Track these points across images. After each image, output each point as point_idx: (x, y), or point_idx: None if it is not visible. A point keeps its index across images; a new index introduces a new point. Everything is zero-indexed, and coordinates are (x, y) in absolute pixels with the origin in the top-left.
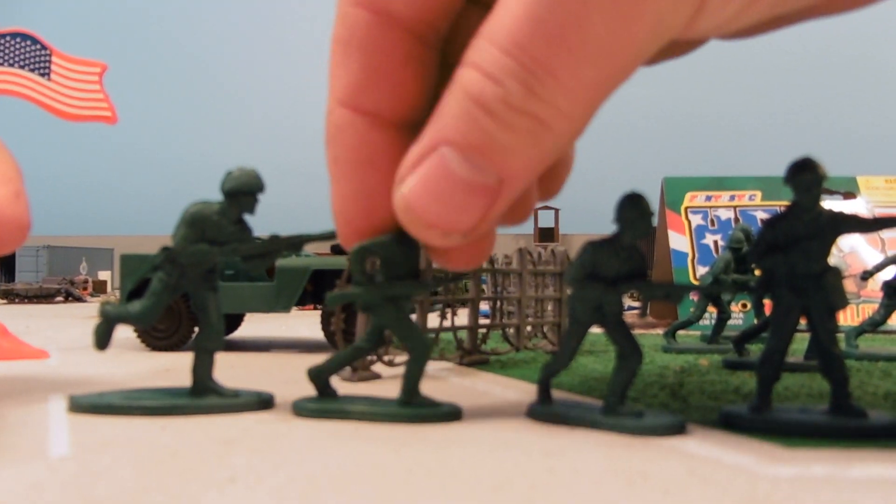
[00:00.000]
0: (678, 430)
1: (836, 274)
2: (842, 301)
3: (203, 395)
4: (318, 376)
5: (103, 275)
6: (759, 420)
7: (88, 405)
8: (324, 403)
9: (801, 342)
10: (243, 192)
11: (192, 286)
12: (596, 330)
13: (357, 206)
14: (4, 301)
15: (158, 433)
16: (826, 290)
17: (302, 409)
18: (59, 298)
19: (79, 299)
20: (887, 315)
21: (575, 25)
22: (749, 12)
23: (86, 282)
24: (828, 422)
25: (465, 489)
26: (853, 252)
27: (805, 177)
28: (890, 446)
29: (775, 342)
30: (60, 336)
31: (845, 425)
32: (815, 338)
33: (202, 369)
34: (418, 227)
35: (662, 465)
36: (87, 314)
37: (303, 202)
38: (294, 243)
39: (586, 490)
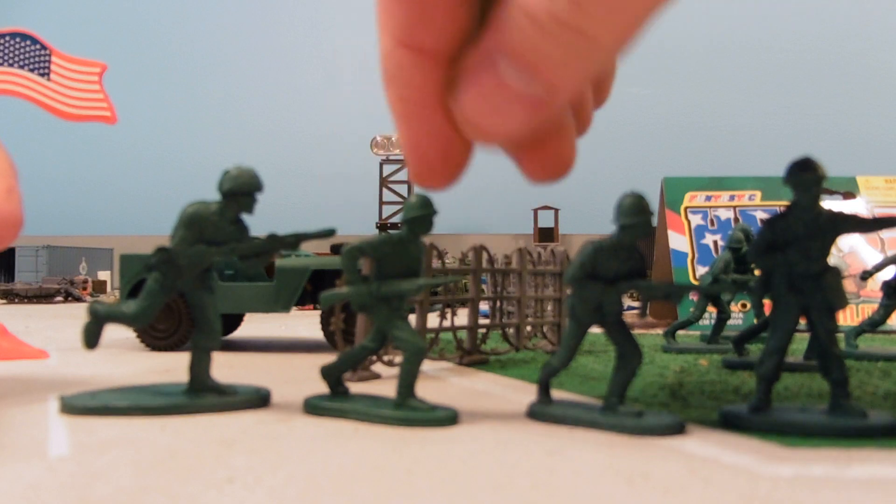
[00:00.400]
0: (678, 429)
1: (836, 274)
2: (841, 301)
3: (201, 394)
4: (330, 374)
5: (103, 275)
6: (759, 420)
7: (80, 406)
8: (329, 401)
9: (800, 342)
10: (241, 191)
11: (189, 286)
12: (596, 330)
13: (432, 145)
14: (4, 301)
15: (157, 433)
16: (825, 290)
17: (308, 405)
18: (59, 298)
19: (78, 299)
20: (887, 315)
21: None
22: None
23: (85, 282)
24: (827, 421)
25: (465, 489)
26: (853, 252)
27: (804, 176)
28: (890, 446)
29: (775, 342)
30: (60, 336)
31: (845, 425)
32: (815, 337)
33: (200, 368)
34: (474, 133)
35: (662, 465)
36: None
37: (301, 202)
38: (291, 242)
39: (587, 490)
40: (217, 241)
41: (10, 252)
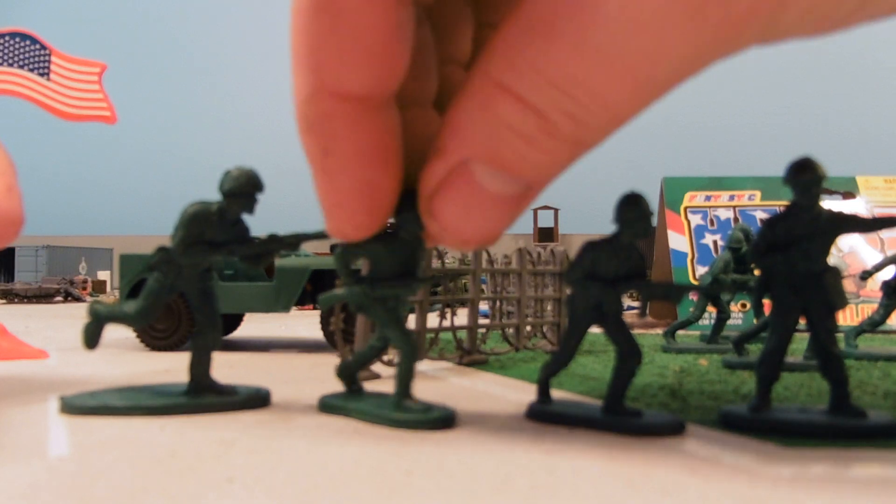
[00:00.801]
0: (677, 429)
1: (836, 274)
2: (841, 301)
3: (201, 394)
4: (343, 373)
5: (102, 275)
6: (759, 420)
7: (80, 406)
8: (341, 400)
9: (800, 342)
10: (242, 192)
11: (189, 286)
12: (595, 330)
13: (360, 201)
14: (4, 301)
15: (157, 433)
16: (825, 290)
17: (322, 404)
18: (59, 298)
19: (78, 299)
20: (886, 315)
21: (646, 62)
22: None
23: (85, 282)
24: (827, 422)
25: (464, 490)
26: (852, 252)
27: (804, 177)
28: (890, 446)
29: (775, 342)
30: (60, 336)
31: (845, 425)
32: (815, 337)
33: (200, 368)
34: (452, 242)
35: (661, 465)
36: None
37: (301, 202)
38: (291, 242)
39: (586, 490)
40: (218, 241)
41: (10, 252)
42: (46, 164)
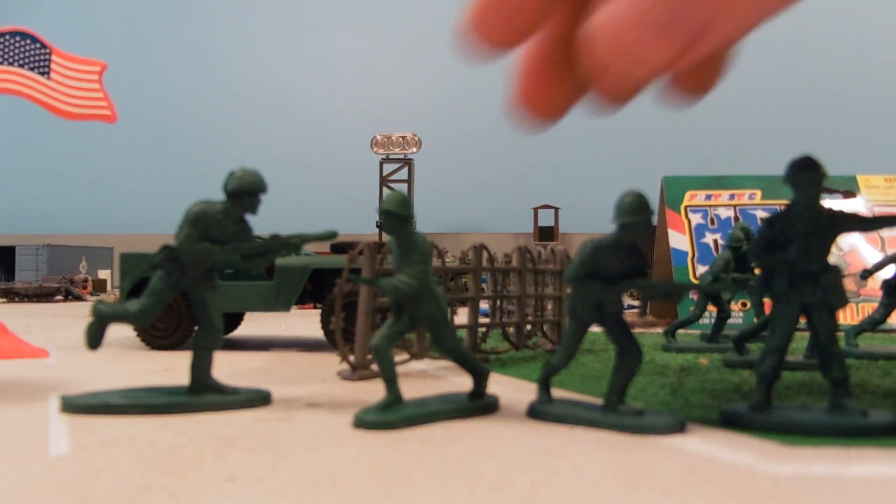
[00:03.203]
0: (678, 428)
1: (836, 273)
2: (841, 300)
3: (202, 393)
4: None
5: (103, 273)
6: (759, 419)
7: (81, 405)
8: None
9: (801, 341)
10: (246, 191)
11: (192, 284)
12: (596, 329)
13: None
14: (4, 300)
15: (158, 432)
16: (825, 289)
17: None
18: (59, 297)
19: (79, 298)
20: (887, 314)
21: None
22: None
23: (85, 281)
24: (827, 420)
25: (465, 488)
26: (853, 251)
27: (804, 175)
28: (890, 445)
29: (775, 341)
30: (60, 335)
31: (845, 424)
32: (815, 336)
33: (201, 367)
34: (596, 70)
35: (663, 464)
36: (87, 313)
37: (301, 201)
38: (293, 243)
39: (587, 489)
40: (221, 241)
41: (11, 251)
42: (46, 163)
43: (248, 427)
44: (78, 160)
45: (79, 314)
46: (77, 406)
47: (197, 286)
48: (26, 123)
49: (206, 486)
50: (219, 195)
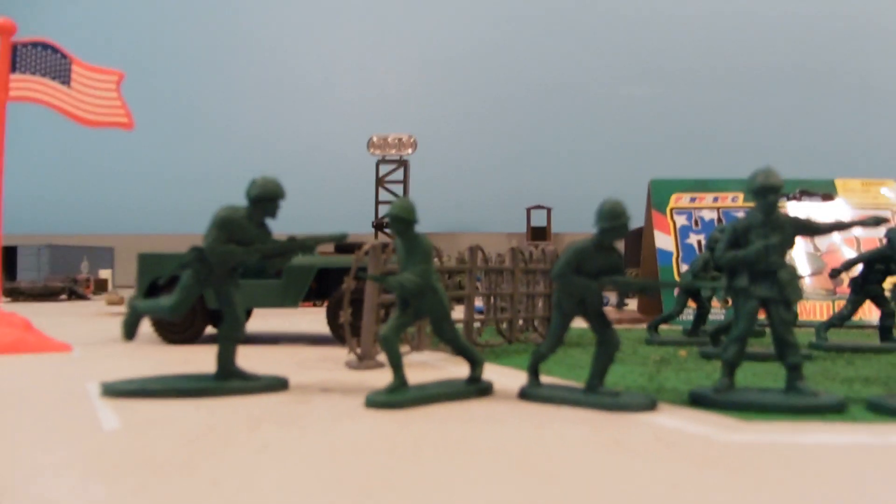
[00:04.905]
0: (650, 407)
1: (791, 270)
2: (796, 294)
3: (227, 379)
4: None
5: (104, 273)
6: (723, 399)
7: (120, 390)
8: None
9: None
10: (267, 198)
11: (219, 282)
12: (582, 325)
13: None
14: (9, 299)
15: (193, 412)
16: (781, 285)
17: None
18: (63, 297)
19: (82, 297)
20: (854, 310)
21: None
22: None
23: (88, 280)
24: (782, 400)
25: (465, 456)
26: (831, 251)
27: (762, 185)
28: (834, 420)
29: (738, 331)
30: (75, 332)
31: (797, 403)
32: (772, 327)
33: (226, 356)
34: None
35: (634, 435)
36: (93, 312)
37: (298, 201)
38: (308, 244)
39: (570, 454)
40: (244, 242)
41: (13, 251)
42: (48, 164)
43: (272, 408)
44: (78, 161)
45: (85, 313)
46: (116, 391)
47: (222, 283)
48: (28, 126)
49: (246, 453)
50: (213, 195)
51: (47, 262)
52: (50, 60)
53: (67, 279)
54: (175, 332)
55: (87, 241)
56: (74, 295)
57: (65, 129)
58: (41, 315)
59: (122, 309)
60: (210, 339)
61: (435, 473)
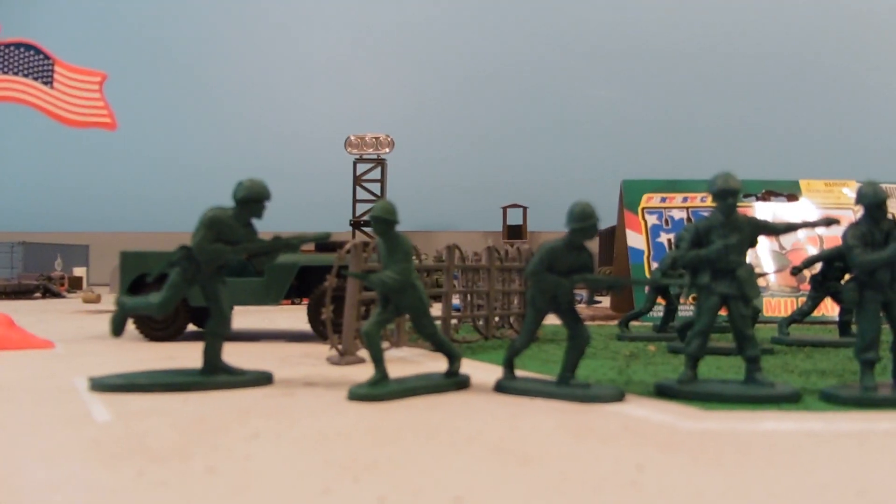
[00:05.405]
0: (618, 398)
1: (749, 269)
2: (753, 291)
3: (214, 374)
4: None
5: (78, 271)
6: (686, 389)
7: (109, 384)
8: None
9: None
10: (253, 199)
11: (206, 280)
12: (555, 322)
13: None
14: None
15: (182, 405)
16: (740, 282)
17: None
18: (38, 294)
19: (57, 295)
20: (814, 306)
21: None
22: None
23: (62, 277)
24: (741, 390)
25: (445, 440)
26: (796, 249)
27: (722, 188)
28: (788, 409)
29: (700, 325)
30: (55, 329)
31: (755, 393)
32: (732, 322)
33: (213, 352)
34: None
35: (603, 423)
36: (70, 309)
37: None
38: (293, 243)
39: (543, 440)
40: (231, 241)
41: None
42: (21, 162)
43: (258, 400)
44: (52, 159)
45: (63, 310)
46: (105, 385)
47: (209, 281)
48: (0, 124)
49: (238, 441)
50: (189, 193)
51: (21, 260)
52: (32, 61)
53: (42, 277)
54: (158, 329)
55: (61, 238)
56: (49, 293)
57: (39, 127)
58: (19, 313)
59: (100, 307)
60: (192, 336)
61: (417, 456)
